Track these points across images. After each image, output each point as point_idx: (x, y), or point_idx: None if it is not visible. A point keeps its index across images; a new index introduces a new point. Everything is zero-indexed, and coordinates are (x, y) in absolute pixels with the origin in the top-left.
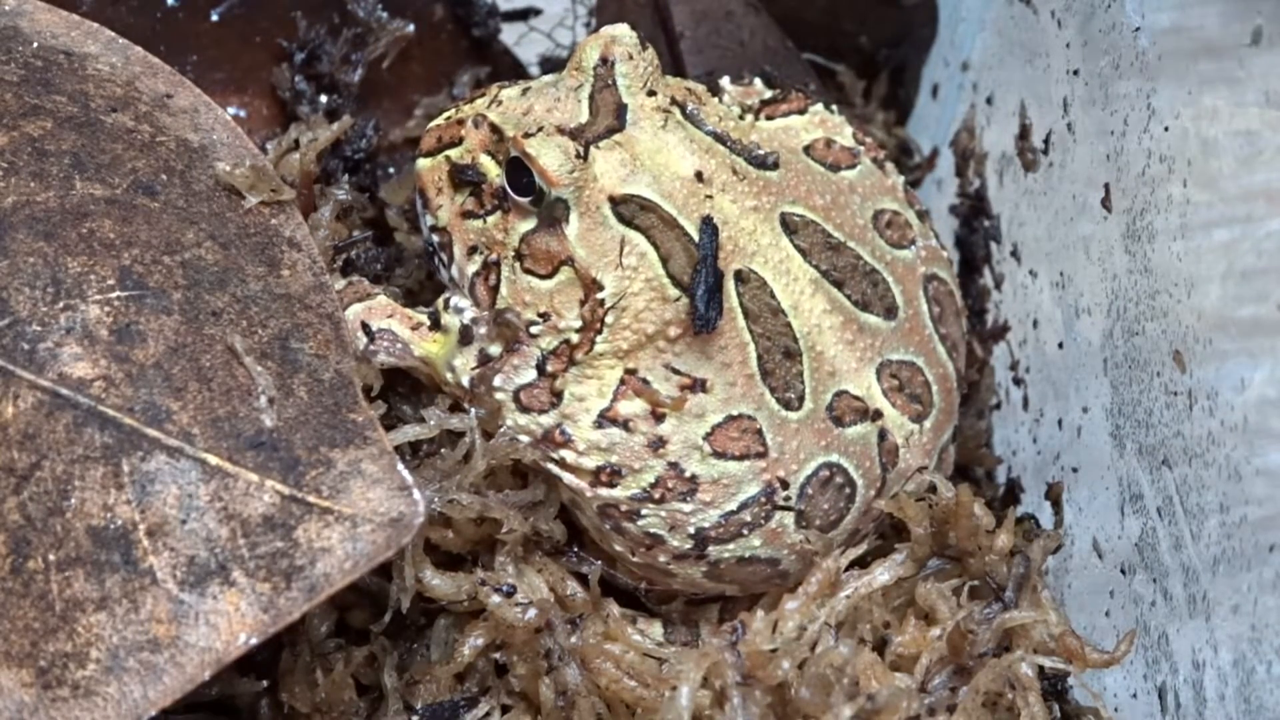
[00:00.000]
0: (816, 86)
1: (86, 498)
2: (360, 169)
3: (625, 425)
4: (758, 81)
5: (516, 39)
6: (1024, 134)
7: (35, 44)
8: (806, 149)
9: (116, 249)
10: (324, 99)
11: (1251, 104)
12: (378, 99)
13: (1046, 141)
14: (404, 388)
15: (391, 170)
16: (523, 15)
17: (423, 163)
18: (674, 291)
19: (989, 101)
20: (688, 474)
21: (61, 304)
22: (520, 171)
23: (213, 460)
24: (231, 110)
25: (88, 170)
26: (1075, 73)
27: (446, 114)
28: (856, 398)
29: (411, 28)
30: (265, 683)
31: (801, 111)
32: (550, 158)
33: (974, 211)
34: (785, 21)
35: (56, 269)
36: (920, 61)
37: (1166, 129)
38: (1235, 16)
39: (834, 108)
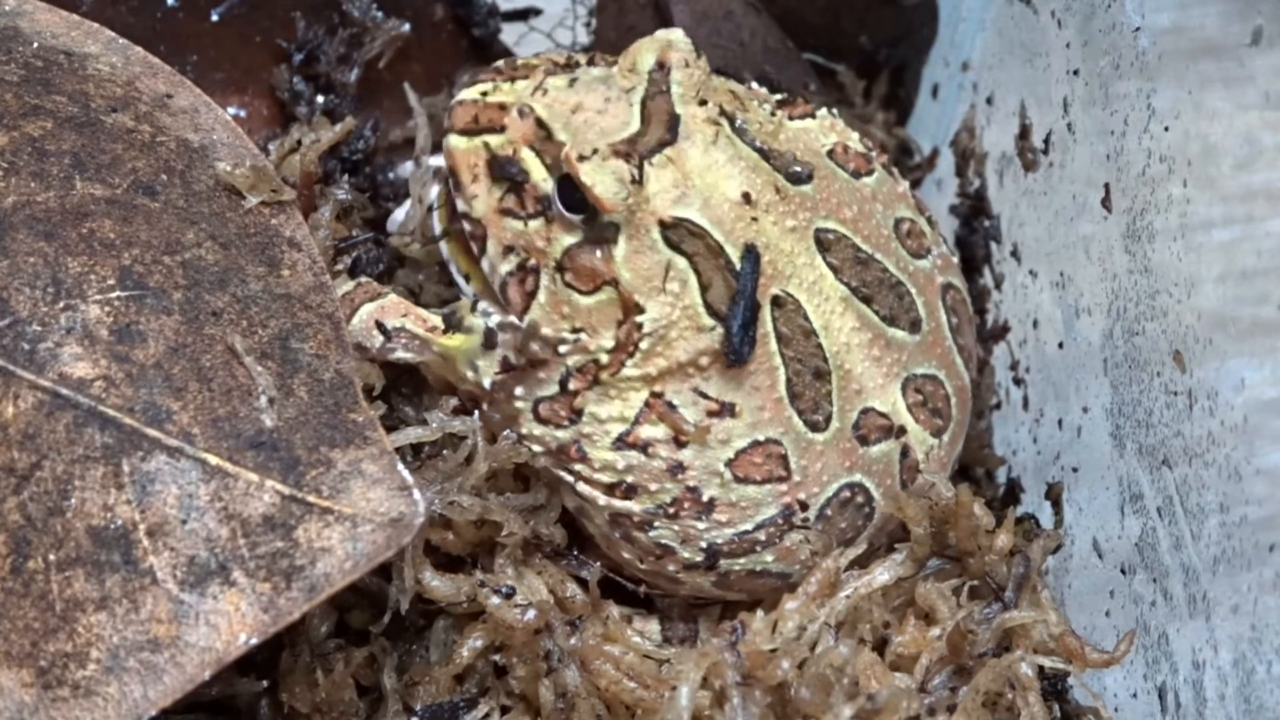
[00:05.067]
0: (816, 87)
1: (87, 498)
2: (360, 169)
3: (644, 449)
4: (754, 85)
5: (516, 39)
6: (1024, 134)
7: (35, 44)
8: (829, 153)
9: (116, 249)
10: (321, 99)
11: (1251, 104)
12: (377, 99)
13: (1046, 141)
14: (407, 389)
15: (391, 174)
16: (523, 15)
17: (457, 141)
18: (708, 321)
19: (989, 101)
20: (705, 498)
21: (62, 304)
22: (573, 188)
23: (213, 460)
24: (231, 110)
25: (88, 170)
26: (1075, 73)
27: (482, 88)
28: (882, 414)
29: (407, 27)
30: (265, 683)
31: (812, 115)
32: (605, 185)
33: (974, 211)
34: (785, 21)
35: (57, 269)
36: (920, 61)
37: (1166, 129)
38: (1235, 16)
39: (834, 111)
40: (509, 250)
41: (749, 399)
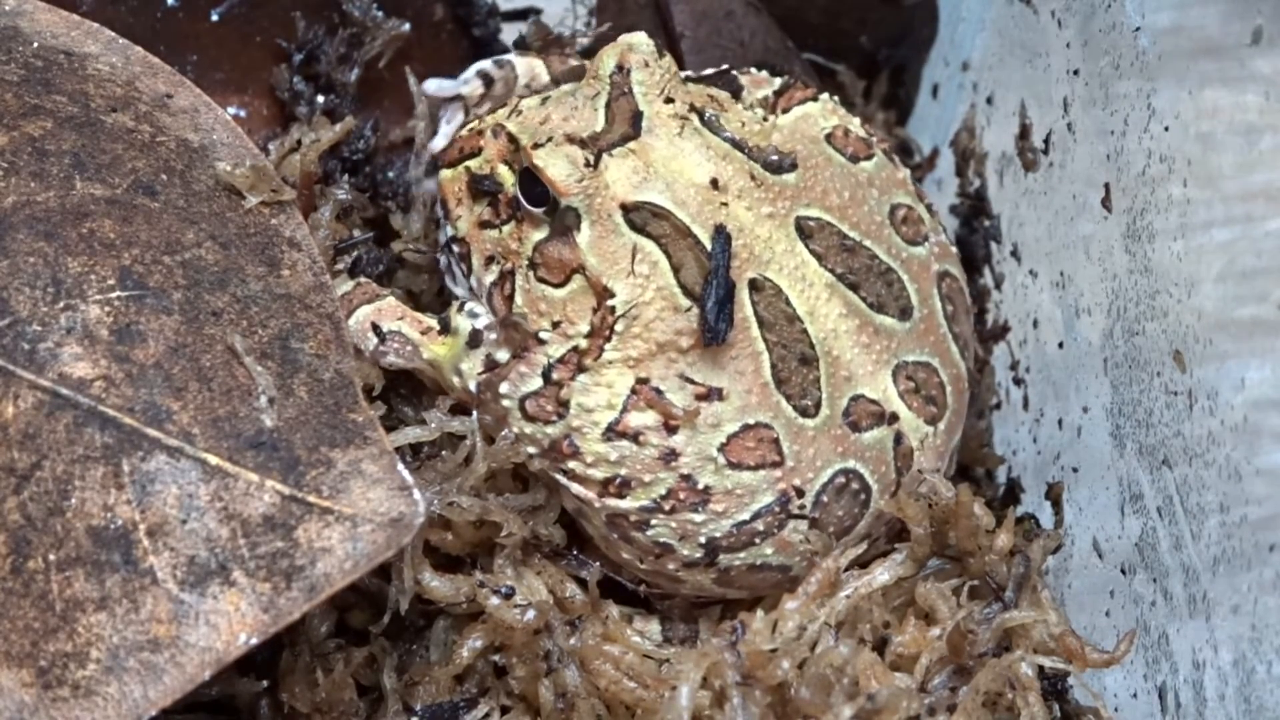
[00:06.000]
0: (816, 87)
1: (87, 498)
2: (360, 169)
3: (635, 438)
4: (753, 70)
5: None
6: (1024, 134)
7: (35, 44)
8: (828, 137)
9: (117, 249)
10: (322, 99)
11: (1252, 103)
12: (378, 99)
13: (1046, 141)
14: (406, 389)
15: (391, 173)
16: (523, 15)
17: (444, 174)
18: (685, 301)
19: (989, 101)
20: (700, 485)
21: (62, 304)
22: (533, 182)
23: (213, 460)
24: (231, 110)
25: (88, 170)
26: (1075, 73)
27: (470, 125)
28: (873, 401)
29: (407, 27)
30: (265, 683)
31: (814, 99)
32: (558, 168)
33: (974, 211)
34: (785, 21)
35: (57, 269)
36: (920, 61)
37: (1166, 129)
38: (1235, 16)
39: (835, 98)
40: (490, 261)
41: (734, 383)
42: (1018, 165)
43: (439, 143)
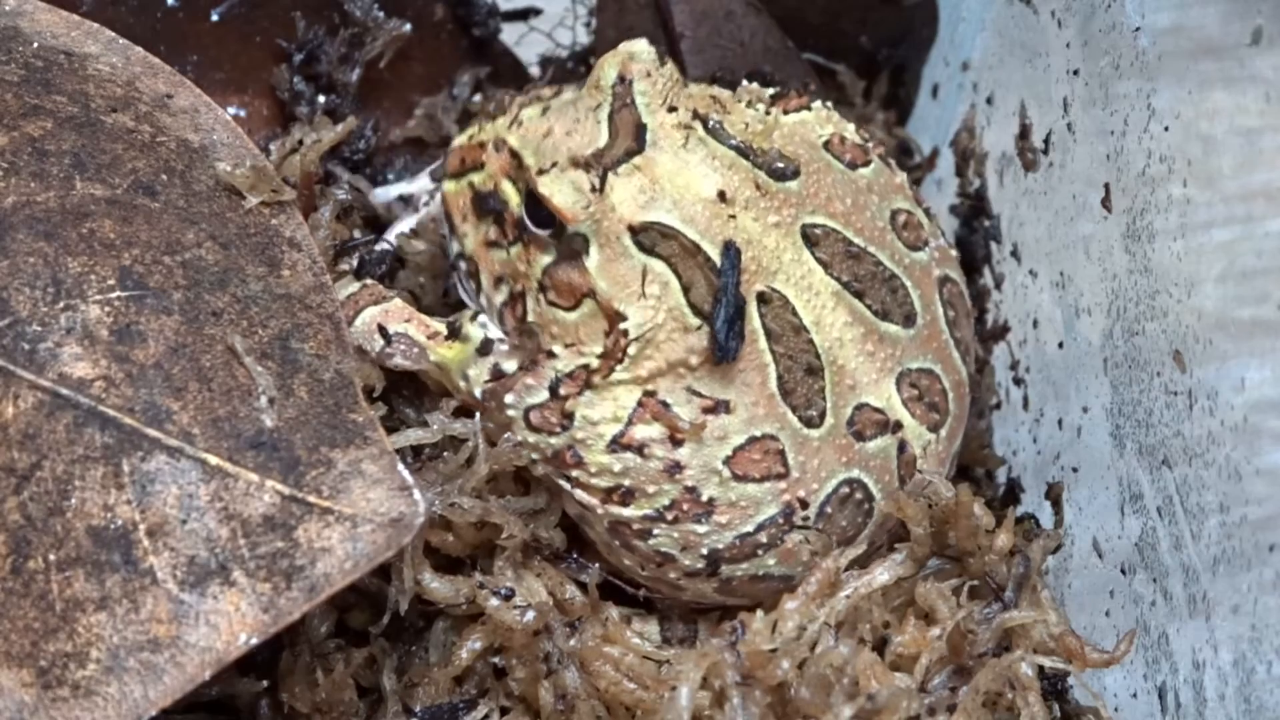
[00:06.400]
0: (816, 86)
1: (87, 498)
2: (360, 169)
3: (640, 450)
4: (745, 81)
5: (516, 39)
6: (1024, 134)
7: (35, 44)
8: (826, 145)
9: (117, 249)
10: (322, 99)
11: (1252, 104)
12: (378, 99)
13: (1046, 141)
14: (408, 391)
15: (390, 175)
16: (523, 15)
17: (448, 186)
18: (694, 320)
19: (989, 101)
20: (704, 498)
21: (62, 304)
22: (539, 205)
23: (213, 460)
24: (231, 110)
25: (88, 170)
26: (1075, 73)
27: (470, 132)
28: (877, 410)
29: (408, 27)
30: (265, 683)
31: (808, 107)
32: (564, 195)
33: (974, 211)
34: (785, 21)
35: (57, 269)
36: (920, 61)
37: (1166, 129)
38: (1235, 16)
39: (829, 104)
40: (499, 281)
41: (742, 395)
42: (1018, 165)
43: (404, 230)
